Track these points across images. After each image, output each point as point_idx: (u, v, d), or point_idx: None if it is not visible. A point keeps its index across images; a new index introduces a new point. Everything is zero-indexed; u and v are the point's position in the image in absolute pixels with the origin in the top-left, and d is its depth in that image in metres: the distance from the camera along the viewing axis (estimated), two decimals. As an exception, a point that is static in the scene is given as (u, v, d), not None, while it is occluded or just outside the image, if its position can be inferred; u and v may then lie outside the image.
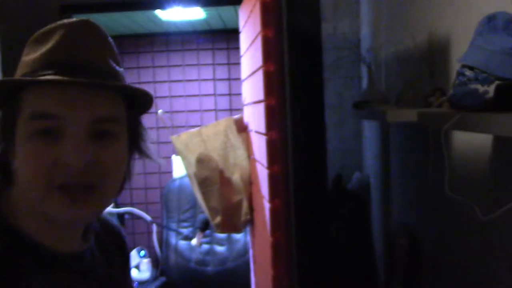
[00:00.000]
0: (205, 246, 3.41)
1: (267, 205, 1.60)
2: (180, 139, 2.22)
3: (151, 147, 0.84)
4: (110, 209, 3.43)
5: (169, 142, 3.44)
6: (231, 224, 2.13)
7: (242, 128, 2.12)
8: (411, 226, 2.22)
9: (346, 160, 3.64)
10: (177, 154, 2.39)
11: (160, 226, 3.58)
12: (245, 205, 2.07)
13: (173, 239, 3.48)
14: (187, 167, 2.22)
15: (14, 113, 0.72)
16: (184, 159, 2.22)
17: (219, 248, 3.42)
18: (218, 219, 2.12)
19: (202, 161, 2.13)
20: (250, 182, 2.05)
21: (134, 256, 3.50)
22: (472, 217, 1.29)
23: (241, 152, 2.09)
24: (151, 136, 0.86)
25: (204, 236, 3.34)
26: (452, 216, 1.69)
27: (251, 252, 2.50)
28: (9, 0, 2.04)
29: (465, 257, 1.60)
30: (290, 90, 1.54)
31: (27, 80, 0.73)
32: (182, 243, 3.45)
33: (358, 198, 3.22)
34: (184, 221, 3.49)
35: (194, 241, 3.28)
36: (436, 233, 1.84)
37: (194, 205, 3.43)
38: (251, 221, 2.13)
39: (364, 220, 3.22)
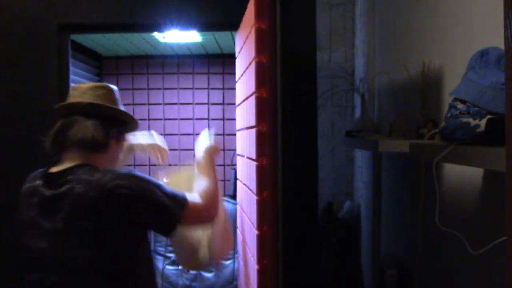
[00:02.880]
0: (193, 272, 3.36)
1: (255, 232, 1.57)
2: None
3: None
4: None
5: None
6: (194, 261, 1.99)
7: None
8: (401, 257, 2.20)
9: (338, 188, 3.63)
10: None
11: (147, 249, 3.52)
12: (205, 245, 1.96)
13: (160, 263, 3.42)
14: None
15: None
16: None
17: (207, 275, 3.36)
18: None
19: None
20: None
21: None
22: (462, 250, 1.28)
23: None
24: (144, 158, 1.37)
25: (192, 261, 3.29)
26: (442, 248, 1.67)
27: (239, 279, 2.46)
28: (8, 18, 2.05)
29: (454, 292, 1.58)
30: (282, 117, 1.54)
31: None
32: (169, 268, 3.40)
33: (348, 227, 3.20)
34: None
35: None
36: (425, 264, 1.82)
37: (183, 229, 3.38)
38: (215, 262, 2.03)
39: (353, 250, 3.19)
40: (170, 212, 1.42)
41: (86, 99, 1.49)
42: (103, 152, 1.48)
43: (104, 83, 1.58)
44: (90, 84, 1.54)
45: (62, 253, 1.36)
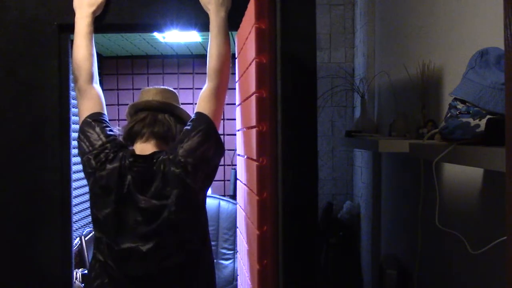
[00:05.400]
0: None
1: (255, 232, 1.58)
2: None
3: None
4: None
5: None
6: None
7: None
8: (401, 257, 2.20)
9: (338, 188, 3.63)
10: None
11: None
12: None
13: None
14: None
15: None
16: None
17: (207, 274, 3.36)
18: None
19: None
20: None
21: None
22: (462, 250, 1.28)
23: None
24: None
25: (192, 261, 3.29)
26: (442, 248, 1.67)
27: (239, 279, 2.46)
28: (8, 18, 2.05)
29: (454, 292, 1.58)
30: (282, 117, 1.54)
31: None
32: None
33: (348, 227, 3.20)
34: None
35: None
36: (425, 264, 1.82)
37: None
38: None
39: (353, 250, 3.19)
40: None
41: (159, 98, 1.75)
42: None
43: (169, 88, 1.86)
44: (159, 87, 1.81)
45: None
